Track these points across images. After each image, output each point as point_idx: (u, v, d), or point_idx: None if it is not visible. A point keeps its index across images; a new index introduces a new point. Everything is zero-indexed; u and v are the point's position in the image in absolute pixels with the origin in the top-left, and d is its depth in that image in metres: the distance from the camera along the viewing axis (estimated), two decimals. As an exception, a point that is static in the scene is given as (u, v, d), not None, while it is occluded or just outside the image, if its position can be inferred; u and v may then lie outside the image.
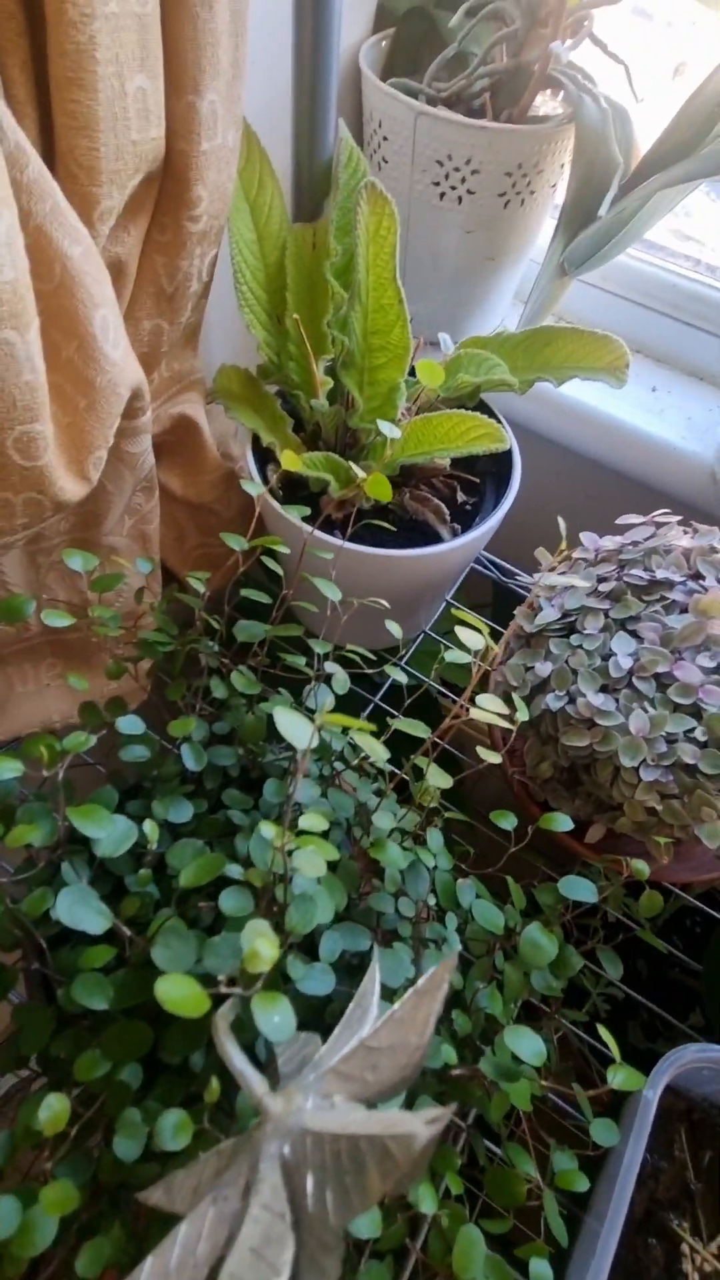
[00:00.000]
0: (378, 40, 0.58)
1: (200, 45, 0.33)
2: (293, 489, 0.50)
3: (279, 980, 0.25)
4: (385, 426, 0.33)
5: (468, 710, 0.29)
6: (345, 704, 0.52)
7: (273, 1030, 0.19)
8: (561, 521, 0.37)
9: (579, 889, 0.36)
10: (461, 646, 0.32)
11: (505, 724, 0.29)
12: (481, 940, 0.35)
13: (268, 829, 0.23)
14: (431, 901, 0.34)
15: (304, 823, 0.23)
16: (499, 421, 0.54)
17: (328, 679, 0.34)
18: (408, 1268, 0.29)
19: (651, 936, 0.40)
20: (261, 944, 0.17)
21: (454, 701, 0.32)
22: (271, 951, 0.18)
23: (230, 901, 0.24)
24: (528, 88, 0.54)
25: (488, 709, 0.29)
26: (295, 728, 0.20)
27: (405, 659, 0.58)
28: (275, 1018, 0.20)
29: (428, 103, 0.56)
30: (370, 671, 0.37)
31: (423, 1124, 0.14)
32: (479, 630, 0.29)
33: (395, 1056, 0.18)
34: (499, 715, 0.29)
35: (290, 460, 0.32)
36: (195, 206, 0.38)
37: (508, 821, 0.37)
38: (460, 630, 0.30)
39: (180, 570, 0.55)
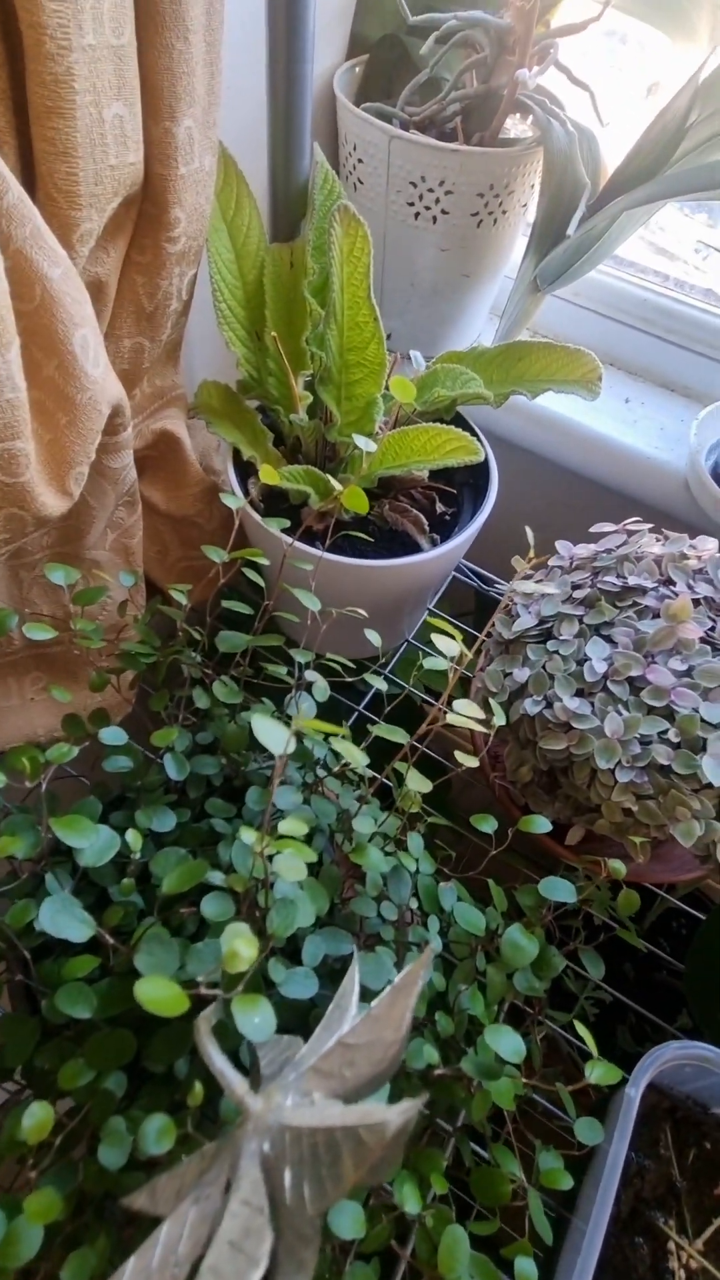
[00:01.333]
0: (351, 66, 0.59)
1: (176, 75, 0.34)
2: (274, 502, 0.51)
3: (261, 984, 0.25)
4: (361, 440, 0.34)
5: (444, 715, 0.30)
6: (330, 713, 0.52)
7: (253, 1030, 0.20)
8: (529, 531, 0.38)
9: (558, 890, 0.36)
10: (439, 653, 0.32)
11: (481, 728, 0.29)
12: (464, 943, 0.36)
13: (248, 834, 0.23)
14: (414, 905, 0.34)
15: (283, 827, 0.23)
16: (475, 434, 0.55)
17: (308, 687, 0.34)
18: (399, 1271, 0.29)
19: (632, 936, 0.41)
20: (240, 944, 0.18)
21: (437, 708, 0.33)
22: (250, 951, 0.18)
23: (212, 907, 0.24)
24: (497, 112, 0.56)
25: (463, 714, 0.30)
26: (271, 733, 0.20)
27: (389, 668, 0.59)
28: (256, 1019, 0.20)
29: (401, 126, 0.58)
30: (351, 680, 0.38)
31: (395, 1113, 0.15)
32: (453, 636, 0.30)
33: (371, 1052, 0.19)
34: (474, 720, 0.29)
35: (269, 474, 0.33)
36: (173, 228, 0.39)
37: (488, 825, 0.38)
38: (436, 637, 0.31)
39: (164, 583, 0.55)
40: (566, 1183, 0.32)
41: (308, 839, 0.35)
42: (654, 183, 0.50)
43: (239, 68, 0.44)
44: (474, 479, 0.54)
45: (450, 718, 0.29)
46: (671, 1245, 0.39)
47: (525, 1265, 0.29)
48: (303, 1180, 0.16)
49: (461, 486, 0.55)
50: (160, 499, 0.50)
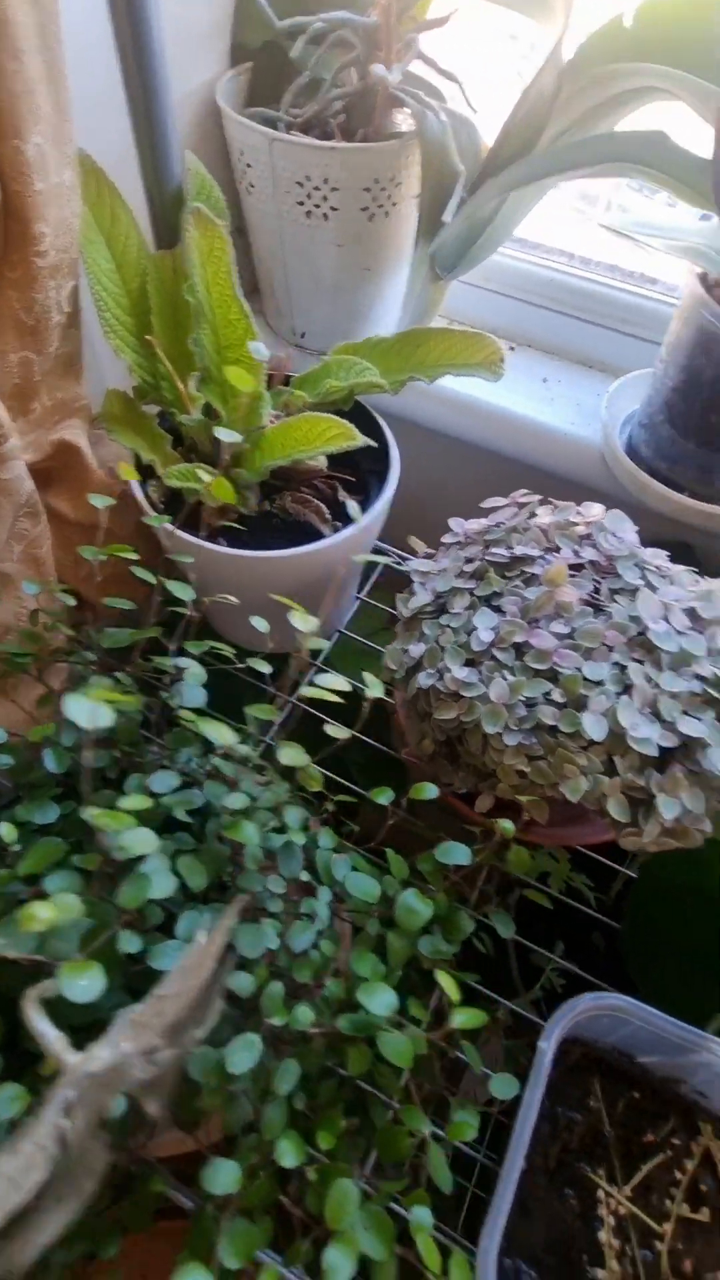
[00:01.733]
0: (235, 75, 0.61)
1: (15, 94, 0.35)
2: (178, 503, 0.52)
3: (117, 955, 0.26)
4: (221, 432, 0.35)
5: (298, 687, 0.31)
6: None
7: (78, 993, 0.21)
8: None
9: (455, 854, 0.38)
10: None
11: (338, 699, 0.30)
12: (364, 911, 0.37)
13: (88, 811, 0.24)
14: (306, 878, 0.36)
15: (123, 803, 0.24)
16: (376, 423, 0.56)
17: (181, 675, 0.35)
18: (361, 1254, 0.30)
19: (540, 896, 0.42)
20: (38, 908, 0.19)
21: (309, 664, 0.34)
22: (48, 914, 0.19)
23: (55, 883, 0.26)
24: (376, 108, 0.57)
25: (324, 687, 0.31)
26: (80, 710, 0.21)
27: (320, 657, 0.60)
28: (83, 982, 0.21)
29: (286, 129, 0.59)
30: (240, 667, 0.39)
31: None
32: (298, 610, 0.31)
33: (178, 1001, 0.20)
34: (334, 693, 0.30)
35: (128, 471, 0.34)
36: (40, 243, 0.40)
37: (384, 796, 0.39)
38: (291, 615, 0.32)
39: (85, 589, 0.56)
40: (471, 1134, 0.34)
41: (202, 822, 0.36)
42: (524, 163, 0.52)
43: (102, 80, 0.45)
44: (379, 467, 0.55)
45: (310, 691, 0.31)
46: (600, 1194, 0.40)
47: (421, 1213, 0.30)
48: (84, 1117, 0.17)
49: (368, 474, 0.56)
50: (67, 508, 0.52)
